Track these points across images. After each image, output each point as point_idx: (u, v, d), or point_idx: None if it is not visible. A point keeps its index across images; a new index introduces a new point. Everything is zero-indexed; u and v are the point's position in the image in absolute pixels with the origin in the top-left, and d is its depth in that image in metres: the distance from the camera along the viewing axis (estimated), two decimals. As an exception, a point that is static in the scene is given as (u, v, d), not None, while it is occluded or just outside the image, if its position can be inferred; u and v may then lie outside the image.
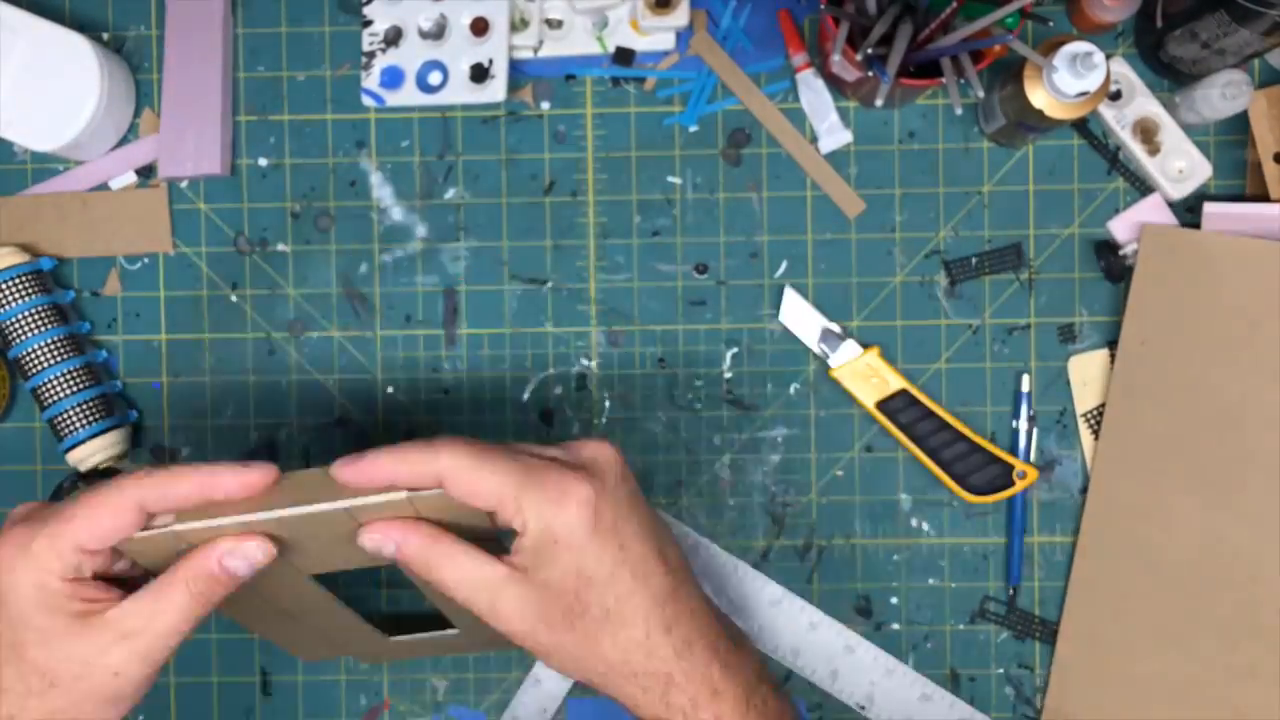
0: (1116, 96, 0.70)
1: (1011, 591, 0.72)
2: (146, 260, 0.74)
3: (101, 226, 0.73)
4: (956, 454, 0.70)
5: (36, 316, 0.69)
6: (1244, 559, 0.68)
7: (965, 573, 0.72)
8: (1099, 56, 0.61)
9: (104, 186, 0.73)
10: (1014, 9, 0.60)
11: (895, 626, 0.72)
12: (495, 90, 0.71)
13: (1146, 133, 0.70)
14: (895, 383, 0.71)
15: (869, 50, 0.61)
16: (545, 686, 0.72)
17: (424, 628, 0.66)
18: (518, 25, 0.72)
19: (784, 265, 0.72)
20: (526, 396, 0.73)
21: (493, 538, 0.53)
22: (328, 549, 0.53)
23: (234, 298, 0.73)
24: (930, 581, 0.72)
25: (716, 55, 0.72)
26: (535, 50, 0.72)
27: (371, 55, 0.72)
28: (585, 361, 0.73)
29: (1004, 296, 0.72)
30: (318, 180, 0.73)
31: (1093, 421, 0.71)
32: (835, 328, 0.71)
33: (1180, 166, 0.70)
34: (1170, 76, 0.70)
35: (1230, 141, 0.71)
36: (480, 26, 0.71)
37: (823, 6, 0.62)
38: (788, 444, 0.72)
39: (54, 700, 0.49)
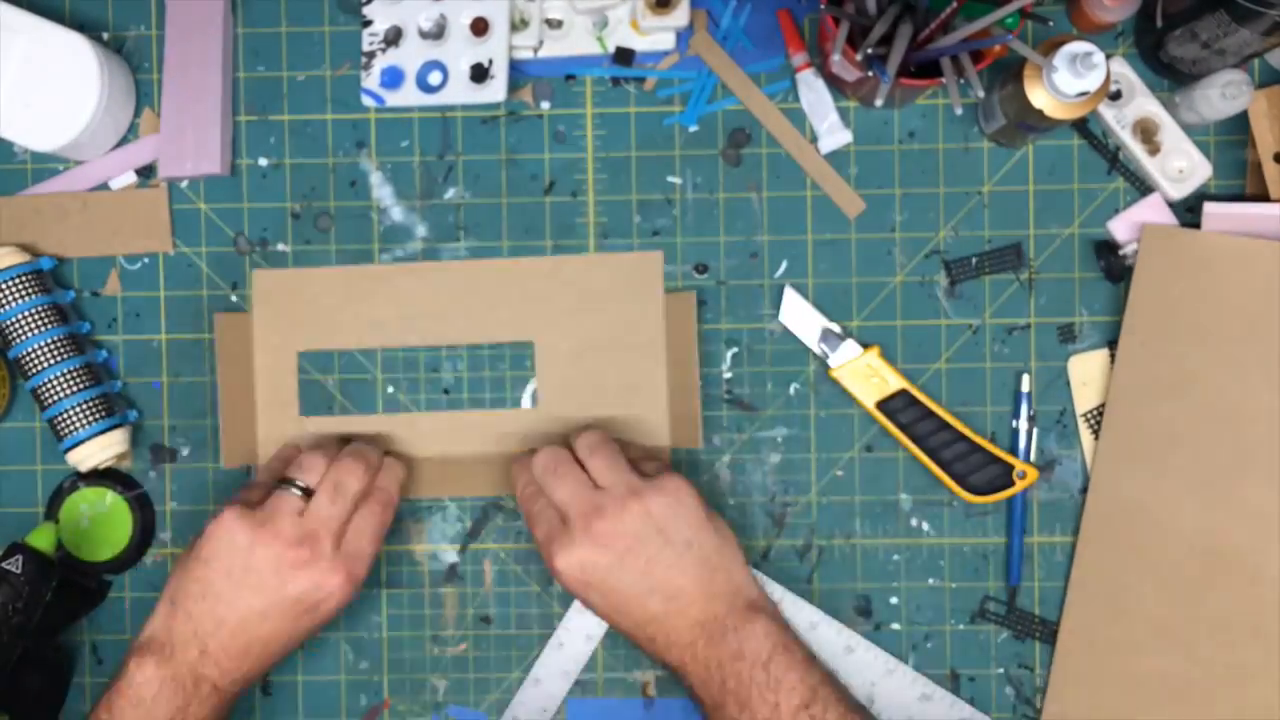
0: (1116, 96, 0.70)
1: (1011, 591, 0.72)
2: (146, 260, 0.74)
3: (101, 226, 0.73)
4: (956, 454, 0.70)
5: (36, 316, 0.69)
6: (1244, 559, 0.68)
7: (965, 573, 0.72)
8: (1099, 56, 0.61)
9: (104, 186, 0.73)
10: (1014, 9, 0.60)
11: (895, 626, 0.72)
12: (495, 90, 0.71)
13: (1146, 133, 0.70)
14: (895, 383, 0.71)
15: (869, 50, 0.61)
16: (545, 687, 0.72)
17: None
18: (518, 25, 0.72)
19: (784, 265, 0.72)
20: (527, 396, 0.73)
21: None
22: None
23: (234, 298, 0.73)
24: (930, 581, 0.72)
25: (716, 55, 0.72)
26: (535, 50, 0.72)
27: (371, 55, 0.72)
28: (585, 361, 0.73)
29: (1004, 296, 0.72)
30: (318, 180, 0.73)
31: (1093, 421, 0.71)
32: (835, 328, 0.71)
33: (1180, 166, 0.70)
34: (1170, 76, 0.70)
35: (1230, 141, 0.71)
36: (480, 26, 0.71)
37: (823, 6, 0.62)
38: (788, 444, 0.72)
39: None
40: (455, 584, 0.73)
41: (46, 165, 0.73)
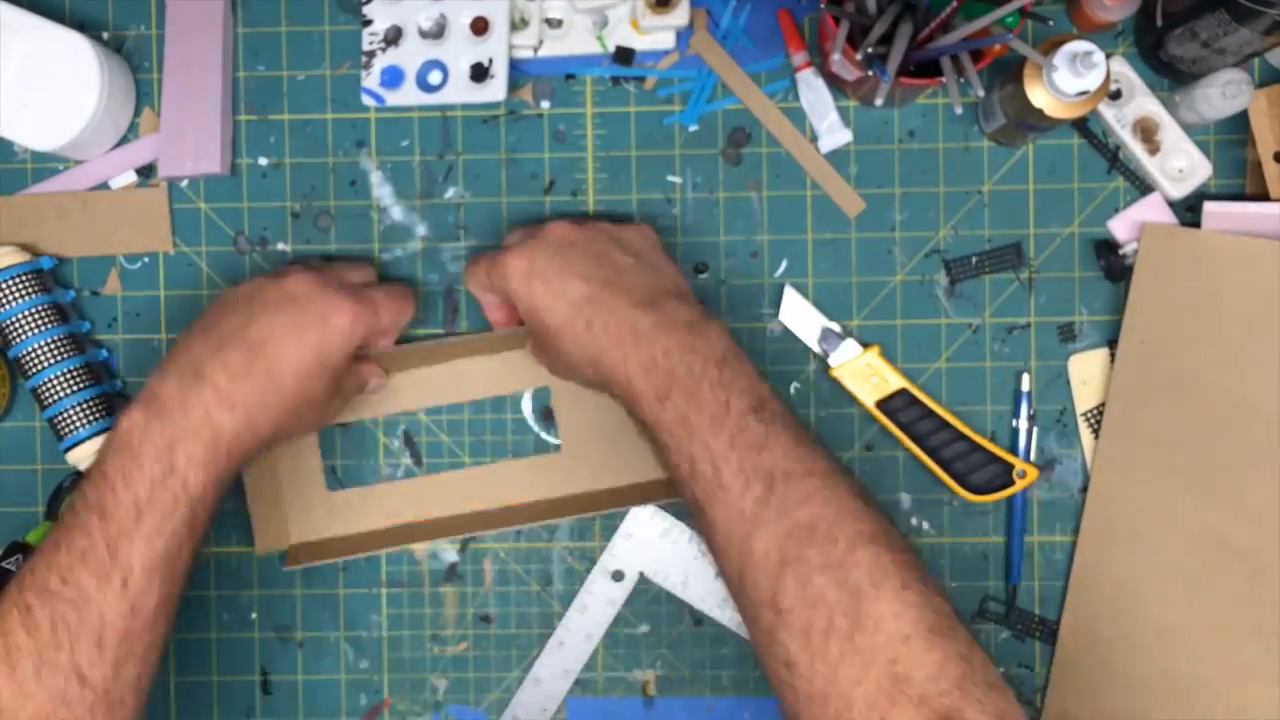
0: (1116, 96, 0.70)
1: (1011, 591, 0.72)
2: (146, 260, 0.74)
3: (101, 226, 0.73)
4: (956, 453, 0.70)
5: (36, 316, 0.69)
6: (1244, 558, 0.68)
7: (965, 572, 0.72)
8: (1099, 56, 0.61)
9: (104, 186, 0.73)
10: (1014, 8, 0.60)
11: (895, 626, 0.72)
12: (495, 90, 0.71)
13: (1146, 132, 0.70)
14: (895, 382, 0.71)
15: (869, 49, 0.61)
16: (545, 686, 0.72)
17: None
18: (518, 24, 0.72)
19: (784, 265, 0.72)
20: (527, 396, 0.73)
21: None
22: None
23: (234, 297, 0.73)
24: (930, 581, 0.72)
25: (716, 54, 0.72)
26: (535, 50, 0.72)
27: (371, 55, 0.72)
28: (585, 361, 0.73)
29: (1004, 296, 0.72)
30: (318, 180, 0.73)
31: (1093, 421, 0.71)
32: (835, 327, 0.71)
33: (1180, 166, 0.70)
34: (1170, 76, 0.70)
35: (1230, 141, 0.71)
36: (480, 26, 0.71)
37: (823, 6, 0.62)
38: (788, 443, 0.72)
39: None
40: (455, 583, 0.73)
41: (46, 165, 0.73)
